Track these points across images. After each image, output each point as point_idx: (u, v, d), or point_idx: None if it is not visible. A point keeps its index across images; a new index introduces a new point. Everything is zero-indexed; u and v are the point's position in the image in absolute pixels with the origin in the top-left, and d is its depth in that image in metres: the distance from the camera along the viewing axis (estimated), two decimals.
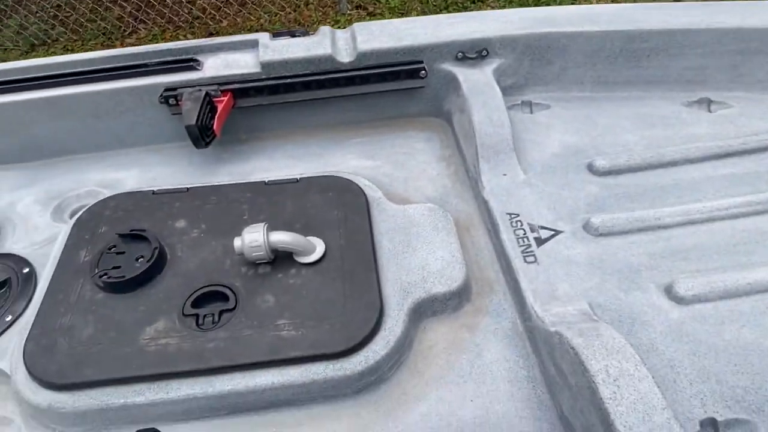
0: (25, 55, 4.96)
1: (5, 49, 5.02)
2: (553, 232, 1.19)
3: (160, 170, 1.52)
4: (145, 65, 1.49)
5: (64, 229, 1.24)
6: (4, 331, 1.09)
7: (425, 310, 1.11)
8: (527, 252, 1.15)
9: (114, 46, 4.97)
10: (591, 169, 1.36)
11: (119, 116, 1.52)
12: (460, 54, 1.51)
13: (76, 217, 1.26)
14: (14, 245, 1.31)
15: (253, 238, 1.08)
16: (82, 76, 1.50)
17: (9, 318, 1.11)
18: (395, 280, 1.12)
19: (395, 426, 0.97)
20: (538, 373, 1.03)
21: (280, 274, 1.12)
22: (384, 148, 1.54)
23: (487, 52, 1.51)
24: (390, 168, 1.48)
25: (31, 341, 1.02)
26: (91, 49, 4.74)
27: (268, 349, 0.99)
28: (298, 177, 1.34)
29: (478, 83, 1.46)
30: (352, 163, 1.50)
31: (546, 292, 1.07)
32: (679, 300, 1.06)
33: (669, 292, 1.08)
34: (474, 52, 1.51)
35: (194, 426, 0.98)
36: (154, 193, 1.31)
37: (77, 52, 4.75)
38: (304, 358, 0.99)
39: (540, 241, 1.17)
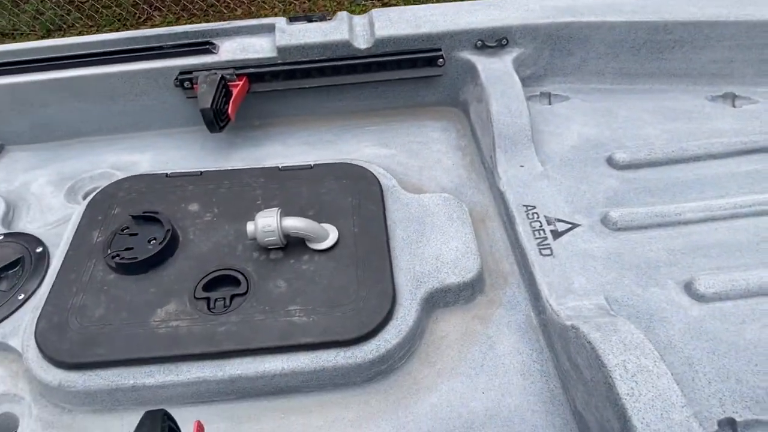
0: (41, 40, 4.99)
1: (21, 33, 5.04)
2: (570, 226, 1.17)
3: (174, 153, 1.51)
4: (161, 48, 1.48)
5: (77, 210, 1.24)
6: (16, 309, 1.09)
7: (438, 301, 1.09)
8: (543, 245, 1.12)
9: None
10: (610, 162, 1.33)
11: (134, 99, 1.51)
12: (479, 42, 1.48)
13: (90, 198, 1.26)
14: (28, 225, 1.32)
15: (267, 222, 1.07)
16: (97, 58, 1.49)
17: (21, 296, 1.11)
18: (408, 270, 1.10)
19: (405, 415, 0.96)
20: (552, 368, 1.01)
21: (292, 260, 1.11)
22: (399, 136, 1.52)
23: (507, 41, 1.48)
24: (405, 157, 1.46)
25: (43, 320, 1.02)
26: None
27: (279, 334, 0.99)
28: (312, 163, 1.32)
29: (496, 72, 1.43)
30: (367, 151, 1.48)
31: (561, 285, 1.05)
32: (699, 297, 1.04)
33: (688, 289, 1.05)
34: (493, 41, 1.48)
35: (203, 409, 0.98)
36: (167, 175, 1.30)
37: None
38: (314, 344, 0.98)
39: (556, 234, 1.15)
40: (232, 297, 1.05)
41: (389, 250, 1.13)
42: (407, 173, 1.41)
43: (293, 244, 1.13)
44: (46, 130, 1.56)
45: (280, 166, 1.32)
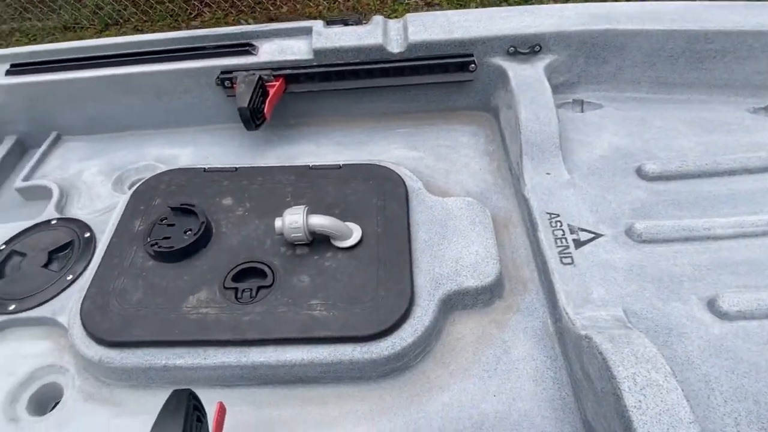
0: (100, 33, 5.26)
1: (81, 27, 5.35)
2: (593, 235, 1.17)
3: (213, 150, 1.59)
4: (204, 48, 1.56)
5: (122, 199, 1.33)
6: (64, 289, 1.19)
7: (456, 303, 1.12)
8: (564, 253, 1.13)
9: (180, 28, 5.19)
10: (640, 173, 1.31)
11: (179, 96, 1.60)
12: (511, 48, 1.48)
13: (134, 188, 1.35)
14: (78, 211, 1.42)
15: (294, 219, 1.12)
16: (147, 56, 1.59)
17: (70, 277, 1.21)
18: (428, 271, 1.13)
19: (417, 412, 0.99)
20: (565, 376, 1.02)
21: (316, 256, 1.16)
22: (428, 139, 1.55)
23: (540, 48, 1.48)
24: (432, 160, 1.48)
25: (87, 300, 1.11)
26: (159, 30, 4.98)
27: (300, 326, 1.04)
28: (341, 163, 1.37)
29: (527, 79, 1.43)
30: (396, 153, 1.52)
31: (580, 294, 1.05)
32: (722, 315, 1.02)
33: (712, 305, 1.04)
34: (526, 47, 1.48)
35: (226, 392, 1.04)
36: (205, 170, 1.38)
37: (146, 32, 5.00)
38: (333, 338, 1.02)
39: (578, 243, 1.15)
40: (259, 288, 1.11)
41: (410, 251, 1.16)
42: (434, 176, 1.43)
43: (318, 241, 1.18)
44: (99, 122, 1.67)
45: (310, 165, 1.38)
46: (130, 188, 1.51)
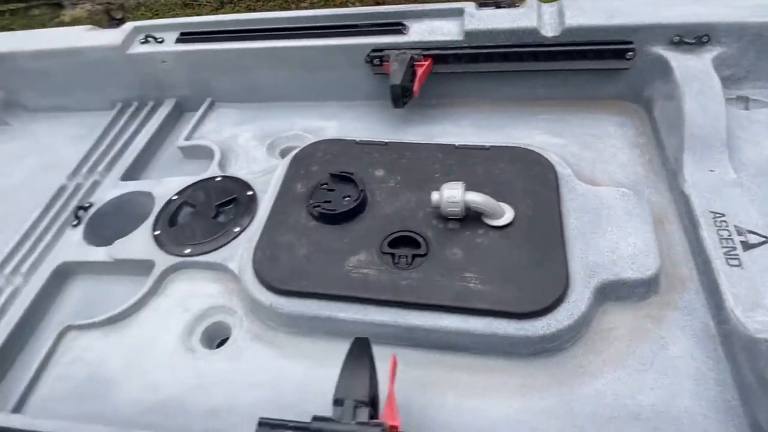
0: (216, 11, 5.61)
1: (199, 4, 5.73)
2: (764, 239, 1.11)
3: (356, 124, 1.67)
4: (356, 26, 1.63)
5: (282, 164, 1.44)
6: (233, 239, 1.31)
7: (609, 293, 1.11)
8: (731, 255, 1.08)
9: (289, 8, 5.40)
10: None
11: (327, 71, 1.69)
12: (676, 38, 1.42)
13: (293, 154, 1.45)
14: (237, 171, 1.55)
15: (452, 194, 1.16)
16: (300, 31, 1.68)
17: (237, 229, 1.33)
18: (581, 258, 1.13)
19: (569, 393, 1.00)
20: (730, 378, 0.98)
21: (468, 232, 1.19)
22: (572, 127, 1.52)
23: (709, 39, 1.40)
24: (577, 148, 1.46)
25: (258, 251, 1.21)
26: (270, 9, 5.22)
27: (455, 296, 1.08)
28: (488, 145, 1.39)
29: (693, 70, 1.36)
30: (538, 139, 1.51)
31: (750, 298, 1.00)
32: None
33: None
34: (693, 37, 1.41)
35: (381, 349, 1.10)
36: (356, 142, 1.45)
37: (258, 11, 5.24)
38: (488, 311, 1.05)
39: (747, 246, 1.09)
40: (413, 256, 1.16)
41: (563, 236, 1.16)
42: (579, 164, 1.41)
43: (470, 218, 1.21)
44: (250, 91, 1.80)
45: (456, 144, 1.40)
46: (281, 154, 1.63)
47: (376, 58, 1.60)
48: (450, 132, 1.58)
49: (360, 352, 0.88)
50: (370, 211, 1.27)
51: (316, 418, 0.81)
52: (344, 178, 1.31)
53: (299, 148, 1.46)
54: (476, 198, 1.17)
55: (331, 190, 1.30)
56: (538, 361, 1.06)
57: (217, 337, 1.23)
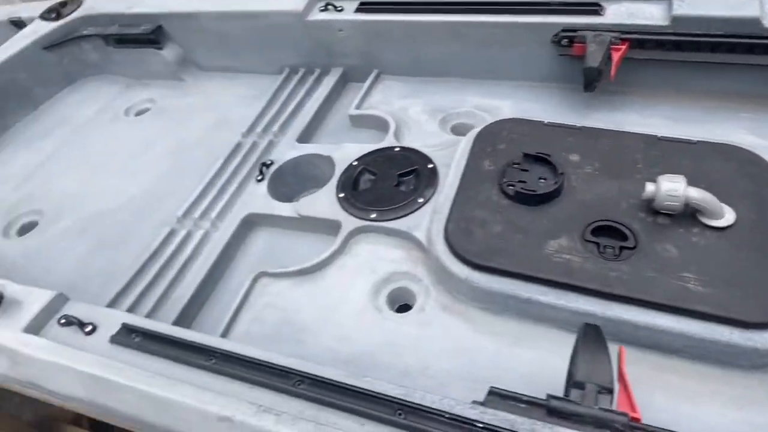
0: None
1: None
2: None
3: (531, 105, 1.62)
4: (548, 4, 1.57)
5: (465, 139, 1.42)
6: (417, 209, 1.33)
7: None
8: None
9: None
10: None
11: (506, 49, 1.64)
12: None
13: (475, 130, 1.43)
14: (412, 143, 1.56)
15: (673, 187, 1.09)
16: (482, 6, 1.64)
17: (421, 200, 1.34)
18: None
19: None
20: None
21: (681, 229, 1.12)
22: None
23: None
24: None
25: (451, 223, 1.21)
26: None
27: (672, 294, 1.02)
28: (695, 139, 1.29)
29: None
30: (737, 137, 1.38)
31: None
32: None
33: None
34: None
35: (572, 339, 1.07)
36: (545, 124, 1.40)
37: None
38: (711, 315, 0.98)
39: None
40: (621, 249, 1.11)
41: None
42: None
43: (683, 215, 1.13)
44: (419, 65, 1.80)
45: (658, 135, 1.32)
46: (452, 130, 1.62)
47: (566, 39, 1.53)
48: (635, 122, 1.49)
49: (597, 338, 0.85)
50: (566, 196, 1.23)
51: (552, 397, 0.80)
52: (539, 159, 1.28)
53: (482, 126, 1.44)
54: (699, 194, 1.09)
55: (524, 170, 1.27)
56: (757, 375, 0.98)
57: (398, 301, 1.26)
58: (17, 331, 1.02)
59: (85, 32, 2.10)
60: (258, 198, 1.51)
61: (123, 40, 2.10)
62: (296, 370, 0.90)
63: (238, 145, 1.72)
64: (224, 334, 1.22)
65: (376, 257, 1.30)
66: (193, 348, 0.96)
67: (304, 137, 1.71)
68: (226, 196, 1.53)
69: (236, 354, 0.94)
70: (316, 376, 0.88)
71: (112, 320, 1.04)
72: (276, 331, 1.22)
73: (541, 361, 1.07)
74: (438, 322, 1.16)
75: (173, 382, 0.89)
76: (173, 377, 0.91)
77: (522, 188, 1.22)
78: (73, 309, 1.08)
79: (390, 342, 1.14)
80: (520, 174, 1.26)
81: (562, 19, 1.54)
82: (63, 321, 1.04)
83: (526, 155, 1.29)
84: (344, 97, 1.89)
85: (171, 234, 1.49)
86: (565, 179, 1.24)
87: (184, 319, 1.29)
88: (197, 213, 1.51)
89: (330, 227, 1.37)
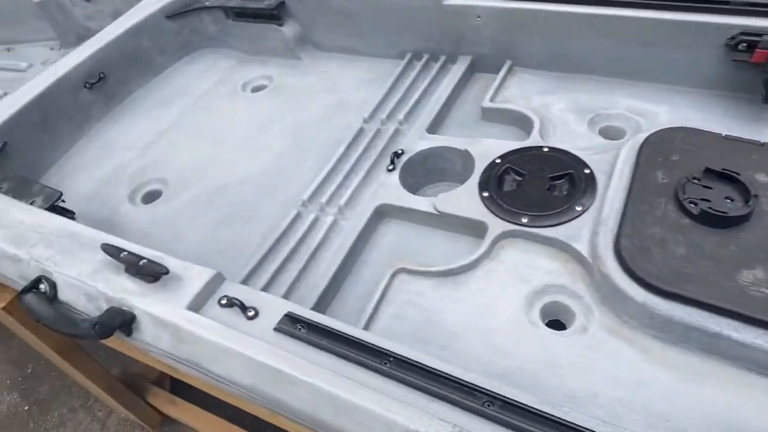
0: None
1: None
2: None
3: (692, 113, 1.48)
4: (726, 3, 1.41)
5: (628, 146, 1.31)
6: (576, 217, 1.23)
7: None
8: None
9: None
10: None
11: (667, 49, 1.50)
12: None
13: (642, 137, 1.31)
14: (558, 143, 1.45)
15: None
16: (639, 1, 1.50)
17: (579, 208, 1.25)
18: None
19: None
20: None
21: None
22: None
23: None
24: None
25: (624, 239, 1.11)
26: None
27: None
28: None
29: None
30: None
31: None
32: None
33: None
34: None
35: (757, 380, 0.97)
36: (724, 137, 1.27)
37: None
38: None
39: None
40: None
41: None
42: None
43: None
44: (559, 59, 1.68)
45: None
46: (601, 132, 1.51)
47: (743, 43, 1.38)
48: None
49: None
50: (757, 220, 1.10)
51: None
52: (724, 176, 1.15)
53: (650, 132, 1.32)
54: None
55: (707, 188, 1.15)
56: None
57: (550, 316, 1.18)
58: (181, 308, 1.00)
59: (207, 3, 2.09)
60: (390, 189, 1.45)
61: (244, 14, 2.07)
62: (482, 388, 0.84)
63: (361, 131, 1.66)
64: (366, 328, 1.17)
65: (527, 266, 1.22)
66: (365, 348, 0.91)
67: (433, 128, 1.63)
68: (353, 183, 1.48)
69: (412, 361, 0.89)
70: (507, 398, 0.82)
71: (272, 306, 1.01)
72: (419, 330, 1.16)
73: (727, 403, 0.97)
74: (605, 345, 1.07)
75: (354, 384, 0.85)
76: (351, 377, 0.87)
77: (710, 207, 1.10)
78: (230, 289, 1.06)
79: (550, 361, 1.07)
80: (703, 191, 1.15)
81: (741, 21, 1.38)
82: (224, 302, 1.02)
83: (709, 170, 1.17)
84: (471, 87, 1.80)
85: (298, 217, 1.45)
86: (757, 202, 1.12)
87: (320, 307, 1.25)
88: (324, 198, 1.47)
89: (471, 228, 1.30)
